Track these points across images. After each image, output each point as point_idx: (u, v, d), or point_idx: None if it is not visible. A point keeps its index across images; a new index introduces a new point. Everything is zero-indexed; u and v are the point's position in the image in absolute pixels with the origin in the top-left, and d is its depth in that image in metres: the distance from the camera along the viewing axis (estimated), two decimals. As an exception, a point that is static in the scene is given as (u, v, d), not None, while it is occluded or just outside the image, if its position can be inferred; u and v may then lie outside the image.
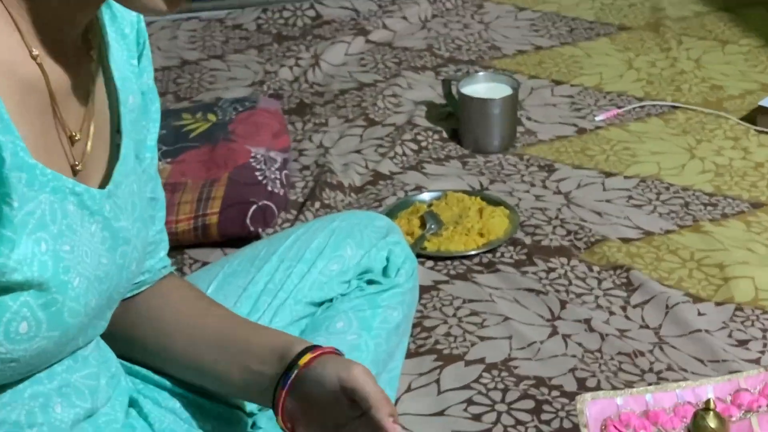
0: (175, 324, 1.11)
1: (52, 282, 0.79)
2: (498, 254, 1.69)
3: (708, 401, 1.08)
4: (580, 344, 1.48)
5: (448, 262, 1.67)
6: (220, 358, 1.09)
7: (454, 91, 2.06)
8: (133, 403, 1.09)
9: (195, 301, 1.13)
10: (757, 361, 1.44)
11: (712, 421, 1.07)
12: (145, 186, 0.98)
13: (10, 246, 0.75)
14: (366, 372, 0.99)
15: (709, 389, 1.19)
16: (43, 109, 0.84)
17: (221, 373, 1.10)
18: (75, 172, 0.88)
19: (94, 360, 0.93)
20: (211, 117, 1.97)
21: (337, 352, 1.04)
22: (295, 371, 1.00)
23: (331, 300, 1.26)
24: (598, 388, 1.38)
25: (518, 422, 1.35)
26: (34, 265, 0.77)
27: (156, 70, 0.99)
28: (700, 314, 1.54)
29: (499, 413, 1.36)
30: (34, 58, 0.81)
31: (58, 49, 0.84)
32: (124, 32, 0.95)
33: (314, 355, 1.01)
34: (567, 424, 1.33)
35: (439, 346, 1.48)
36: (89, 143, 0.90)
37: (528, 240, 1.72)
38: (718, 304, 1.56)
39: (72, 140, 0.88)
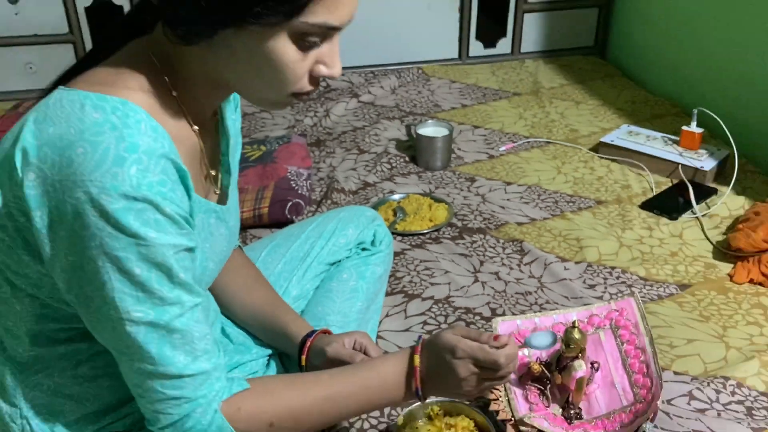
0: (232, 295, 1.11)
1: (199, 265, 0.82)
2: (441, 233, 1.68)
3: (574, 322, 1.07)
4: (492, 287, 1.48)
5: (411, 237, 1.66)
6: (260, 331, 1.13)
7: (413, 131, 2.05)
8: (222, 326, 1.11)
9: (248, 279, 1.11)
10: (600, 298, 1.44)
11: (577, 334, 1.06)
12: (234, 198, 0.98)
13: (195, 241, 0.77)
14: (337, 345, 1.01)
15: (573, 315, 1.20)
16: (197, 159, 0.83)
17: (264, 339, 1.13)
18: (217, 197, 0.88)
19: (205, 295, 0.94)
20: (263, 147, 1.94)
21: (326, 331, 1.06)
22: (304, 351, 1.03)
23: (339, 261, 1.26)
24: (503, 314, 1.38)
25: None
26: (195, 258, 0.78)
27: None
28: (565, 269, 1.54)
29: (444, 329, 1.36)
30: (193, 131, 0.80)
31: (203, 120, 0.83)
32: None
33: (311, 339, 1.04)
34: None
35: (405, 289, 1.47)
36: (220, 176, 0.89)
37: (459, 224, 1.72)
38: (576, 262, 1.56)
39: (209, 177, 0.86)
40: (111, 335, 0.73)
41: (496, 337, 0.86)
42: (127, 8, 2.23)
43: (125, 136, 0.66)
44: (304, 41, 0.71)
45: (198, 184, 0.81)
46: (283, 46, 0.70)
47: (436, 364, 0.86)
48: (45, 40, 2.24)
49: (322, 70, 0.74)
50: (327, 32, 0.71)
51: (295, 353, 1.02)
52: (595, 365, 1.11)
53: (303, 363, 1.01)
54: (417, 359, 0.86)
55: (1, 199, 0.70)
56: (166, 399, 0.75)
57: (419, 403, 0.96)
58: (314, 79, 0.75)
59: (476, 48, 2.66)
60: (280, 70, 0.71)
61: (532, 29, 2.65)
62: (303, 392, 0.84)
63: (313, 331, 1.03)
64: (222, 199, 0.88)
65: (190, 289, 0.73)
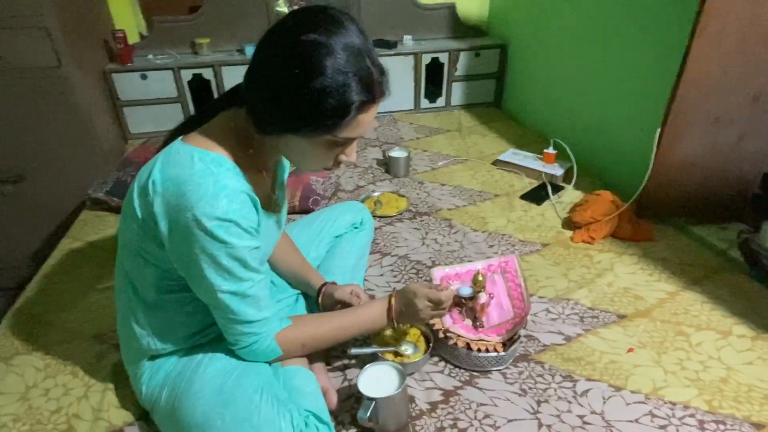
0: (277, 259, 1.06)
1: (263, 250, 0.77)
2: (403, 216, 1.65)
3: (479, 270, 1.07)
4: (433, 248, 1.46)
5: (385, 219, 1.62)
6: (294, 281, 1.07)
7: (386, 154, 2.01)
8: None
9: (287, 248, 1.07)
10: (496, 254, 1.42)
11: (480, 277, 1.05)
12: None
13: (260, 242, 0.73)
14: (341, 291, 0.97)
15: (479, 265, 1.19)
16: (264, 188, 0.80)
17: (295, 286, 1.07)
18: (275, 209, 0.85)
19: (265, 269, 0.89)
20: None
21: (334, 283, 1.02)
22: (320, 295, 0.99)
23: (340, 235, 1.22)
24: (439, 265, 1.37)
25: (409, 279, 1.32)
26: (260, 250, 0.74)
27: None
28: (476, 236, 1.52)
29: (403, 274, 1.33)
30: (261, 172, 0.78)
31: (268, 165, 0.80)
32: None
33: (324, 287, 1.00)
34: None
35: (381, 250, 1.44)
36: (277, 195, 0.87)
37: (414, 210, 1.69)
38: (482, 232, 1.54)
39: (271, 197, 0.84)
40: (207, 297, 0.72)
41: (441, 286, 0.88)
42: (213, 84, 2.19)
43: (219, 180, 0.66)
44: (332, 144, 0.70)
45: (265, 202, 0.80)
46: (319, 147, 0.70)
47: (404, 303, 0.87)
48: (163, 101, 2.19)
49: (343, 159, 0.74)
50: (348, 141, 0.71)
51: (314, 295, 1.02)
52: (491, 295, 1.10)
53: (319, 301, 1.00)
54: (393, 300, 0.87)
55: (141, 212, 0.69)
56: (242, 333, 0.75)
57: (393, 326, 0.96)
58: (338, 162, 0.74)
59: (425, 103, 2.61)
60: (315, 159, 0.72)
61: (458, 91, 2.62)
62: (322, 324, 0.84)
63: (326, 283, 1.02)
64: (279, 209, 0.87)
65: (257, 271, 0.73)
